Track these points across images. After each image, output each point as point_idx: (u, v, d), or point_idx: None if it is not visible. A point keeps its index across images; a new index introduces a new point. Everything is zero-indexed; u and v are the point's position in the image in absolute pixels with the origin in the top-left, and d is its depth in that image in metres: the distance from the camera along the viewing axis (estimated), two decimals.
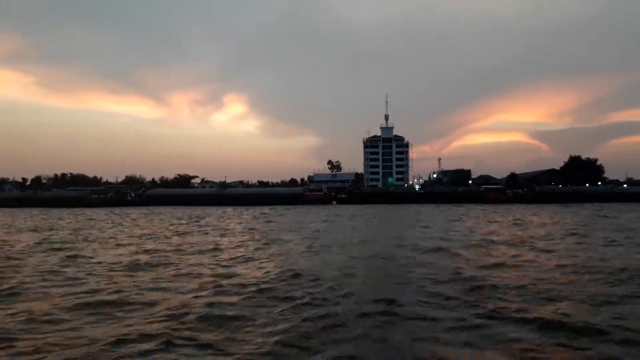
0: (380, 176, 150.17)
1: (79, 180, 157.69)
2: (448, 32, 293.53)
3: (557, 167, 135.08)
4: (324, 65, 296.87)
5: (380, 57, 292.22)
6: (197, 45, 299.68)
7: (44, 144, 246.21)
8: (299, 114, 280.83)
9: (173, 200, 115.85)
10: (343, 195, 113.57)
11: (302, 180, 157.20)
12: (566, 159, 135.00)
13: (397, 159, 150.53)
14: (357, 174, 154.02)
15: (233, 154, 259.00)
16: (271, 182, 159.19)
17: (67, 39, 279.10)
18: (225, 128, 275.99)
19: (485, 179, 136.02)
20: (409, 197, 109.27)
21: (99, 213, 71.34)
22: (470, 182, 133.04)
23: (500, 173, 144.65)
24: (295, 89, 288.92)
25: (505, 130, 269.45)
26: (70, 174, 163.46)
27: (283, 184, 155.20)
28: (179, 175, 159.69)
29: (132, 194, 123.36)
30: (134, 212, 75.39)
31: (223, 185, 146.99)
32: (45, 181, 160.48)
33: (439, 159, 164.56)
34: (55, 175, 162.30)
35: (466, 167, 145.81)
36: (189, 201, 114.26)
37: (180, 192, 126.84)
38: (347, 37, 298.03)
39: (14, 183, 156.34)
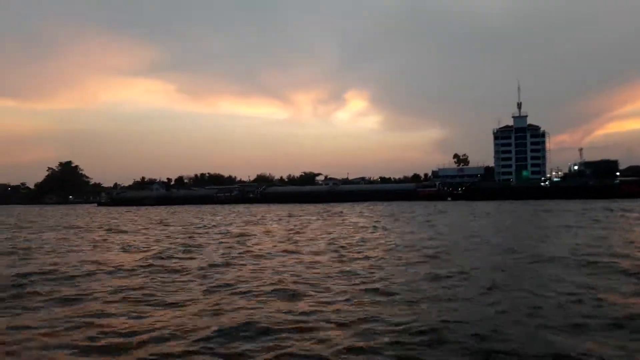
0: (513, 169, 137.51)
1: (215, 179, 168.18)
2: (583, 6, 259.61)
3: None
4: (446, 55, 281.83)
5: (507, 42, 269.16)
6: (318, 43, 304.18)
7: (185, 146, 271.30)
8: (421, 107, 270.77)
9: (289, 198, 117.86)
10: (459, 191, 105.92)
11: (425, 175, 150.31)
12: None
13: (532, 150, 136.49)
14: (486, 168, 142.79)
15: (355, 150, 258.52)
16: (393, 178, 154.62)
17: (199, 46, 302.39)
18: (347, 125, 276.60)
19: (636, 170, 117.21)
20: (532, 192, 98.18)
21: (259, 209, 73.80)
22: (617, 173, 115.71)
23: None
24: (417, 81, 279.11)
25: None
26: (208, 173, 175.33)
27: (406, 179, 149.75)
28: (304, 173, 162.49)
29: (253, 192, 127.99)
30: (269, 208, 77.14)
31: (345, 182, 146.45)
32: (187, 181, 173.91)
33: (580, 149, 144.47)
34: (195, 175, 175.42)
35: (613, 157, 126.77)
36: (303, 198, 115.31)
37: (295, 189, 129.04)
38: (469, 24, 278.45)
39: (161, 183, 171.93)
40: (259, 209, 73.96)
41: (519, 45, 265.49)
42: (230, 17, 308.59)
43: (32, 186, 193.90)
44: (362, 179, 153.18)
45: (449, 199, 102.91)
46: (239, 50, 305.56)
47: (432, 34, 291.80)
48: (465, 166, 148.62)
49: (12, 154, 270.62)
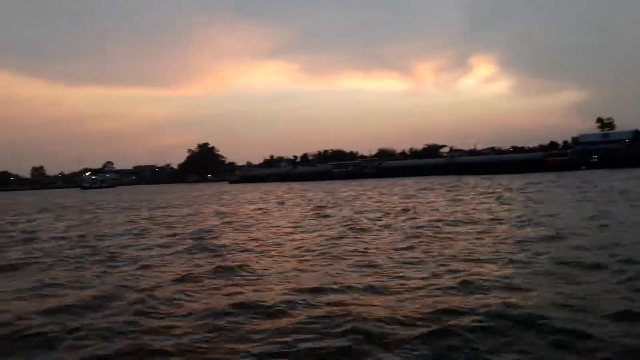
0: None
1: (337, 155, 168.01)
2: None
3: None
4: (581, 10, 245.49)
5: None
6: (438, 9, 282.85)
7: (309, 124, 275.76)
8: (556, 67, 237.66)
9: (405, 171, 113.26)
10: (595, 159, 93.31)
11: (564, 142, 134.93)
12: None
13: None
14: (636, 132, 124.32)
15: (483, 119, 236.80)
16: (527, 147, 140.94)
17: (317, 25, 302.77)
18: (473, 92, 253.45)
19: None
20: None
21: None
22: None
23: None
24: (550, 40, 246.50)
25: None
26: (331, 150, 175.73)
27: (542, 148, 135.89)
28: (427, 145, 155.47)
29: (369, 167, 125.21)
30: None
31: (472, 152, 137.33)
32: (311, 157, 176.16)
33: None
34: (319, 152, 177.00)
35: None
36: (420, 172, 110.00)
37: (411, 162, 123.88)
38: None
39: (288, 160, 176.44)
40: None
41: None
42: None
43: (175, 166, 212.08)
44: (492, 149, 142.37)
45: (584, 168, 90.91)
46: (356, 24, 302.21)
47: None
48: (610, 131, 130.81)
49: (156, 138, 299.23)
